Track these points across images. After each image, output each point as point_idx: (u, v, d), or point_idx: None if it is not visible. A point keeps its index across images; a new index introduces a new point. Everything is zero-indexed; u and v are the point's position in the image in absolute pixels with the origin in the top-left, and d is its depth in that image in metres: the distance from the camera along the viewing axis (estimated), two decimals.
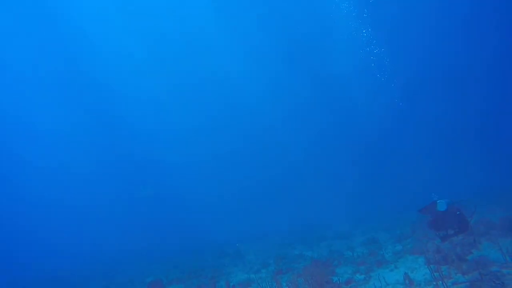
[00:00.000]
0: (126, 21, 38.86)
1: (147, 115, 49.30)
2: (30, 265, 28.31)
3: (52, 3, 34.02)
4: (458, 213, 7.35)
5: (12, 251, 37.82)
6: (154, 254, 21.74)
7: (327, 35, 37.25)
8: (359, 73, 38.21)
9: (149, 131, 50.40)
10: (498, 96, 36.53)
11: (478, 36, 31.80)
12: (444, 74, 36.91)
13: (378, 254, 9.34)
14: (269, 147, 50.06)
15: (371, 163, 41.92)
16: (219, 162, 51.30)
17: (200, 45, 42.26)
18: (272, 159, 49.50)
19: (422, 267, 7.36)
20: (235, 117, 49.64)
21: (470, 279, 6.16)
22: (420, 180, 25.68)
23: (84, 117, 45.95)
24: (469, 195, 15.56)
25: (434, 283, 6.18)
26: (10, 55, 37.44)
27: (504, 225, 9.37)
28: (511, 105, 36.43)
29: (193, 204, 47.08)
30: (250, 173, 49.14)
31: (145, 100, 47.94)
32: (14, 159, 47.87)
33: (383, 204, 22.61)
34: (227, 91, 46.46)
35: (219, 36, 40.54)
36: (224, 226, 28.70)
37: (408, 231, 11.29)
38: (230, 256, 15.18)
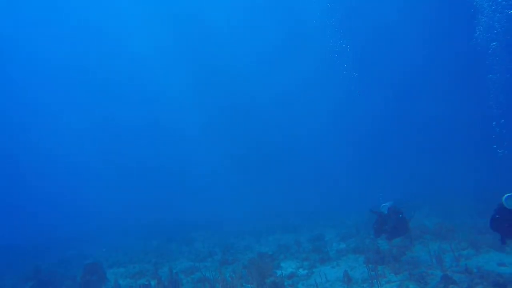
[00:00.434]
0: None
1: None
2: None
3: None
4: (400, 216, 7.87)
5: None
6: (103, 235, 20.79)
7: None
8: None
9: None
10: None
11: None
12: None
13: (322, 251, 9.69)
14: (244, 140, 50.75)
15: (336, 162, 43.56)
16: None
17: None
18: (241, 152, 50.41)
19: (362, 266, 7.77)
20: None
21: (401, 278, 6.62)
22: (381, 181, 26.88)
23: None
24: (419, 198, 16.85)
25: (370, 281, 6.56)
26: None
27: (435, 230, 10.23)
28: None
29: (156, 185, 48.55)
30: (217, 162, 50.17)
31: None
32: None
33: (338, 202, 23.34)
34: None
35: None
36: (177, 213, 28.19)
37: (354, 231, 11.85)
38: (178, 242, 14.92)
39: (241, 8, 39.34)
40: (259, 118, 47.69)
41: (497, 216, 5.65)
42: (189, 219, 22.69)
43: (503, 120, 13.35)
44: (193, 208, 28.86)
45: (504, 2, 12.31)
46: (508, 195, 5.38)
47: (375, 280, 6.53)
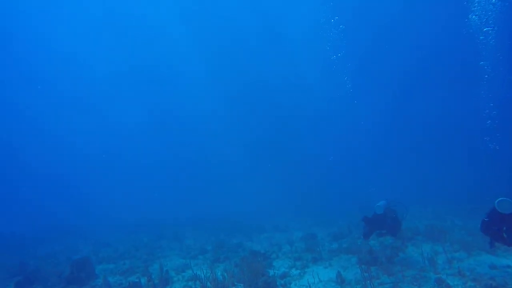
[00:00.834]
0: None
1: None
2: None
3: None
4: (393, 215, 7.87)
5: None
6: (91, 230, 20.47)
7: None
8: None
9: None
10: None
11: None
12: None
13: (315, 250, 9.65)
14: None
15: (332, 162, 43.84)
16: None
17: None
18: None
19: (354, 266, 7.74)
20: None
21: (394, 280, 6.60)
22: (375, 181, 27.08)
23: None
24: (411, 198, 16.95)
25: (363, 282, 6.52)
26: None
27: (427, 232, 10.29)
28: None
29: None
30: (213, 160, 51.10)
31: None
32: None
33: (331, 202, 23.38)
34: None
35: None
36: (167, 209, 27.99)
37: (346, 230, 11.84)
38: (168, 239, 14.78)
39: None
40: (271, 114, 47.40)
41: (487, 219, 5.68)
42: (183, 215, 22.52)
43: (495, 112, 13.29)
44: (190, 204, 28.61)
45: None
46: (501, 199, 5.40)
47: (368, 281, 6.50)
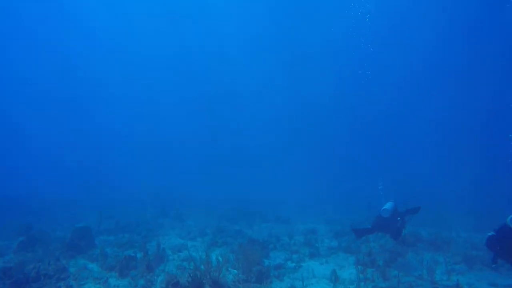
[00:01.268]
0: None
1: None
2: None
3: None
4: (399, 219, 7.71)
5: None
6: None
7: None
8: None
9: None
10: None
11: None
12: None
13: (313, 246, 9.59)
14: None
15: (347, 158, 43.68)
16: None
17: None
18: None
19: (351, 266, 7.64)
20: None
21: (389, 285, 6.49)
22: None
23: None
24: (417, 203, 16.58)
25: (357, 283, 6.43)
26: None
27: (430, 240, 10.07)
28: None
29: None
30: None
31: None
32: None
33: (341, 199, 23.06)
34: None
35: None
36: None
37: (348, 230, 11.69)
38: (170, 218, 14.95)
39: None
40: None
41: (495, 234, 5.48)
42: (199, 196, 22.60)
43: None
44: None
45: None
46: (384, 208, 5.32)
47: (363, 283, 6.41)
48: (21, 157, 49.48)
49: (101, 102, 53.37)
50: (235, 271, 6.89)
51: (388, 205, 7.68)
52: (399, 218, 7.80)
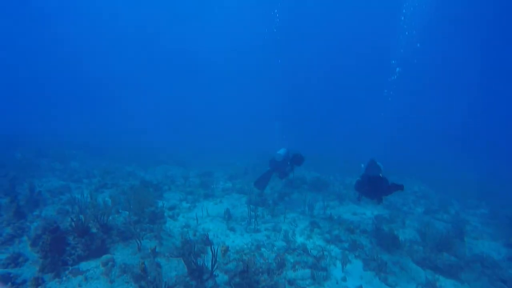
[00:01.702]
0: None
1: None
2: None
3: None
4: (289, 163, 8.37)
5: None
6: None
7: None
8: None
9: None
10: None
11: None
12: None
13: (208, 187, 9.77)
14: None
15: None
16: None
17: None
18: None
19: (244, 205, 8.09)
20: None
21: (276, 220, 7.15)
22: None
23: None
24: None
25: (248, 220, 6.87)
26: None
27: (312, 182, 11.40)
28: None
29: None
30: None
31: None
32: None
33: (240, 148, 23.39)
34: None
35: None
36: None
37: (242, 172, 12.27)
38: (50, 158, 13.05)
39: None
40: None
41: (360, 179, 6.52)
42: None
43: None
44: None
45: None
46: (364, 165, 6.25)
47: (253, 220, 6.89)
48: None
49: None
50: (127, 212, 6.52)
51: (282, 151, 8.22)
52: (289, 163, 8.49)
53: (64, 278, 4.09)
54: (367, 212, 8.74)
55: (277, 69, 44.51)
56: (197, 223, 6.61)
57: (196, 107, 51.52)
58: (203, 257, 4.83)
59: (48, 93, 52.53)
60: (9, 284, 3.99)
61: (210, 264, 4.34)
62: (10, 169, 9.87)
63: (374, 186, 6.15)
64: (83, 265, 4.40)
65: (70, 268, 4.31)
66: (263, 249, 5.36)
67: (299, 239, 6.14)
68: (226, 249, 4.96)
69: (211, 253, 4.49)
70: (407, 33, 24.83)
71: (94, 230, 5.12)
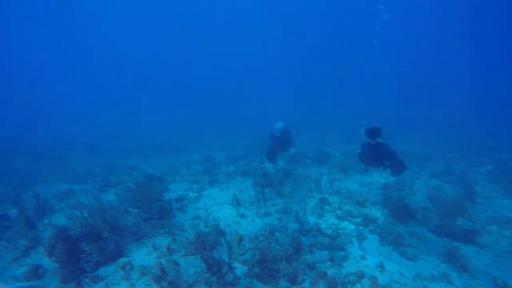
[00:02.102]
0: None
1: None
2: None
3: None
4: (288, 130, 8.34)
5: None
6: None
7: None
8: None
9: None
10: None
11: None
12: None
13: (212, 173, 9.73)
14: None
15: None
16: None
17: None
18: None
19: (250, 188, 8.06)
20: None
21: (285, 200, 7.16)
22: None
23: None
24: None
25: (257, 203, 6.87)
26: None
27: (314, 156, 11.40)
28: None
29: None
30: None
31: None
32: None
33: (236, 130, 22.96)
34: None
35: None
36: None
37: (242, 153, 12.18)
38: (48, 161, 12.87)
39: None
40: None
41: (361, 150, 6.46)
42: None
43: None
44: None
45: None
46: (365, 130, 6.12)
47: (262, 203, 6.90)
48: None
49: None
50: (135, 210, 6.49)
51: (279, 125, 8.13)
52: (289, 137, 8.47)
53: (85, 287, 4.11)
54: (373, 181, 8.79)
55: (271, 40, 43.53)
56: (206, 213, 6.61)
57: (189, 92, 50.40)
58: (218, 249, 4.84)
59: (40, 93, 51.31)
60: None
61: (226, 256, 4.36)
62: (11, 177, 9.77)
63: (376, 153, 6.11)
64: (102, 271, 4.41)
65: (90, 275, 4.32)
66: (277, 233, 5.38)
67: (311, 219, 6.17)
68: (240, 238, 4.97)
69: (225, 245, 4.50)
70: None
71: (106, 233, 5.10)
